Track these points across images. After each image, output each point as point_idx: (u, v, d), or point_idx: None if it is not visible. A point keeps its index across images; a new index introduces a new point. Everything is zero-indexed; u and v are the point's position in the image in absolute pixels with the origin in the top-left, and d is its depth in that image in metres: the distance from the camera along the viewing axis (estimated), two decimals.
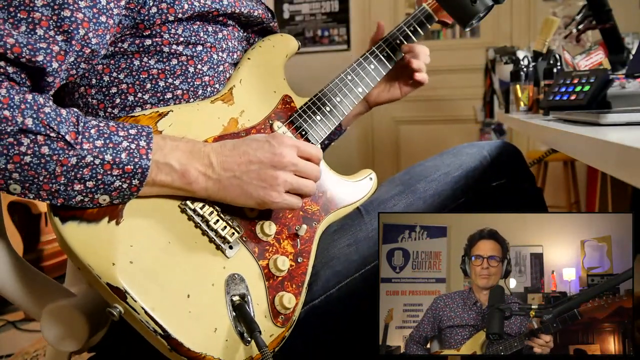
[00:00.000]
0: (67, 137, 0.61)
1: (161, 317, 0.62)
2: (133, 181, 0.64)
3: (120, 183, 0.64)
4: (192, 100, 0.78)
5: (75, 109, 0.65)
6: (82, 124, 0.63)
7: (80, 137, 0.62)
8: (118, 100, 0.74)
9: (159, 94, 0.75)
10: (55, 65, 0.63)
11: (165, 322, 0.62)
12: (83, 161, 0.61)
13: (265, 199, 0.70)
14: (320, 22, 3.82)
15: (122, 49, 0.73)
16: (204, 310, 0.65)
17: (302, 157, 0.74)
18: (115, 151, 0.63)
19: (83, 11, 0.65)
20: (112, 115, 0.75)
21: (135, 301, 0.61)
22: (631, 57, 1.46)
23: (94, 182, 0.62)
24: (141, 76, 0.74)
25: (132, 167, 0.63)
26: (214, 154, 0.69)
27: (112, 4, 0.68)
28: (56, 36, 0.63)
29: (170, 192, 0.68)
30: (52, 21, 0.63)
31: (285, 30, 3.86)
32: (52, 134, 0.60)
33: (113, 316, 0.61)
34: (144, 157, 0.65)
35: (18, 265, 0.77)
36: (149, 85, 0.75)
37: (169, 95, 0.76)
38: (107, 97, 0.74)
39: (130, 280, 0.62)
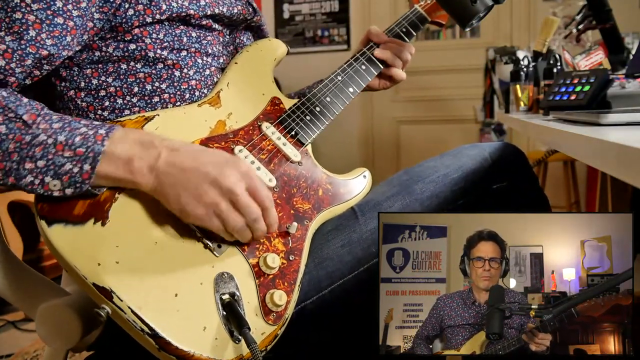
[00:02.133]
0: (25, 117, 0.63)
1: (148, 316, 0.62)
2: (84, 166, 0.63)
3: (70, 166, 0.63)
4: (179, 104, 0.78)
5: (43, 104, 0.67)
6: (46, 109, 0.66)
7: (39, 118, 0.64)
8: (107, 103, 0.75)
9: (146, 98, 0.76)
10: (1, 62, 0.66)
11: (152, 321, 0.62)
12: (36, 139, 0.63)
13: (186, 209, 0.66)
14: (320, 22, 3.82)
15: (107, 54, 0.75)
16: (192, 309, 0.65)
17: (249, 192, 0.68)
18: (70, 134, 0.64)
19: (35, 13, 0.68)
20: (102, 117, 0.76)
21: (121, 301, 0.61)
22: (631, 57, 1.46)
23: (45, 162, 0.63)
24: (129, 79, 0.75)
25: (84, 149, 0.63)
26: (166, 150, 0.66)
27: (70, 6, 0.70)
28: (5, 36, 0.66)
29: (119, 184, 0.67)
30: (4, 23, 0.67)
31: (285, 30, 3.86)
32: (10, 114, 0.63)
33: (101, 317, 0.61)
34: (99, 142, 0.64)
35: (13, 265, 0.78)
36: (136, 89, 0.76)
37: (156, 99, 0.77)
38: (96, 100, 0.75)
39: (117, 280, 0.62)
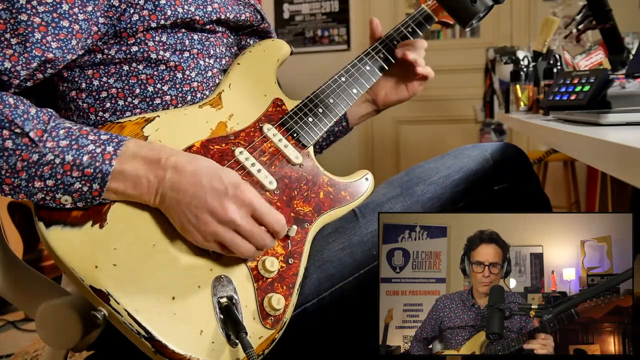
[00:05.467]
0: (31, 134, 0.62)
1: (145, 319, 0.62)
2: (93, 185, 0.64)
3: (80, 185, 0.64)
4: (181, 106, 0.78)
5: (51, 110, 0.66)
6: (52, 123, 0.64)
7: (46, 135, 0.63)
8: (108, 105, 0.75)
9: (148, 99, 0.76)
10: (7, 65, 0.65)
11: (149, 324, 0.62)
12: (44, 159, 0.62)
13: (187, 234, 0.67)
14: (320, 22, 3.82)
15: (109, 56, 0.74)
16: (189, 312, 0.65)
17: (255, 219, 0.68)
18: (78, 153, 0.63)
19: (41, 15, 0.67)
20: (103, 119, 0.75)
21: (118, 303, 0.61)
22: (631, 57, 1.46)
23: (54, 182, 0.63)
24: (130, 81, 0.75)
25: (92, 170, 0.64)
26: (171, 171, 0.66)
27: (76, 9, 0.69)
28: (11, 39, 0.65)
29: (127, 199, 0.67)
30: (9, 24, 0.65)
31: (285, 30, 3.86)
32: (17, 130, 0.62)
33: (97, 319, 0.61)
34: (107, 162, 0.64)
35: (13, 264, 0.78)
36: (138, 90, 0.75)
37: (157, 101, 0.76)
38: (98, 101, 0.75)
39: (114, 282, 0.62)
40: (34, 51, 0.66)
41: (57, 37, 0.68)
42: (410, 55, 0.95)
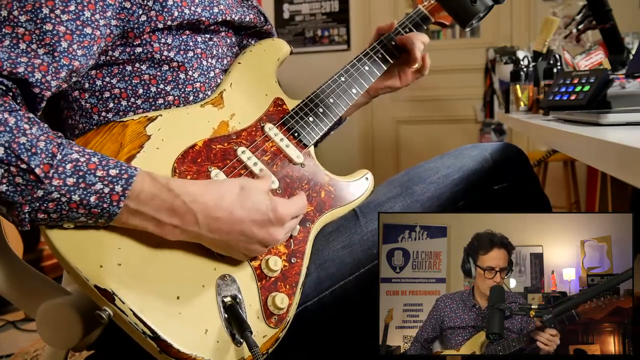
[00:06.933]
0: (37, 171, 0.59)
1: (150, 319, 0.62)
2: (99, 220, 0.63)
3: (85, 219, 0.63)
4: (183, 106, 0.78)
5: (59, 136, 0.63)
6: (60, 156, 0.61)
7: (52, 171, 0.60)
8: (111, 105, 0.75)
9: (151, 100, 0.76)
10: (38, 75, 0.64)
11: (154, 324, 0.62)
12: (49, 196, 0.60)
13: (234, 256, 0.70)
14: (320, 22, 3.82)
15: (113, 58, 0.74)
16: (194, 312, 0.65)
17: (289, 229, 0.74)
18: (85, 192, 0.61)
19: (65, 24, 0.66)
20: (106, 119, 0.75)
21: (123, 303, 0.61)
22: (631, 57, 1.47)
23: (58, 215, 0.61)
24: (133, 81, 0.75)
25: (99, 210, 0.62)
26: (201, 215, 0.65)
27: (97, 16, 0.69)
28: (38, 49, 0.65)
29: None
30: (34, 35, 0.65)
31: (285, 30, 3.86)
32: (23, 166, 0.59)
33: (102, 319, 0.61)
34: (114, 203, 0.62)
35: (14, 264, 0.78)
36: (141, 91, 0.75)
37: (160, 101, 0.76)
38: (101, 102, 0.75)
39: (119, 282, 0.62)
40: (62, 60, 0.66)
41: (82, 45, 0.68)
42: (408, 40, 0.97)
